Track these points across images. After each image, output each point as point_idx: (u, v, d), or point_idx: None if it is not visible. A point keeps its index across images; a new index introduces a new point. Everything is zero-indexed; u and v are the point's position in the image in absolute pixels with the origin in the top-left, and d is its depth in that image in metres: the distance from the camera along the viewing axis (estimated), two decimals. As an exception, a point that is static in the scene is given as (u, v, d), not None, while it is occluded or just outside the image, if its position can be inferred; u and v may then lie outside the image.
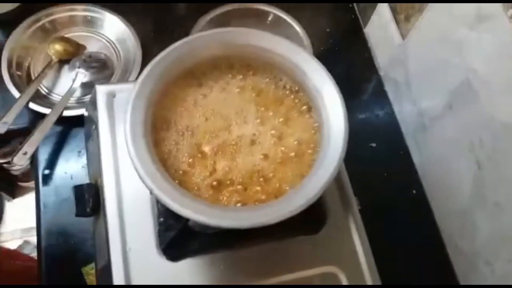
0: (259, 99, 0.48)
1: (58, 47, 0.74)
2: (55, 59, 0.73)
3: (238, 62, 0.48)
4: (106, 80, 0.74)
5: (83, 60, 0.73)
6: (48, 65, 0.72)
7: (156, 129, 0.45)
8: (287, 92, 0.48)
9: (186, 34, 0.73)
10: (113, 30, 0.77)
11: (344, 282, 0.49)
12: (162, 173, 0.40)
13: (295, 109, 0.48)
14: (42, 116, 0.67)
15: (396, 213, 0.68)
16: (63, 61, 0.74)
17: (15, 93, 0.68)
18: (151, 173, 0.39)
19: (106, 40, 0.77)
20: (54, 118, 0.67)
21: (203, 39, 0.45)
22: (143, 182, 0.38)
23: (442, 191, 0.68)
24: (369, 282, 0.49)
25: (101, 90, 0.55)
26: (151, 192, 0.38)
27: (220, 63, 0.48)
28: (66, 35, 0.76)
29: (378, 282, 0.49)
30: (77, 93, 0.72)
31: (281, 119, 0.47)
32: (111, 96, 0.54)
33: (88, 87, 0.73)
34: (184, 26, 0.76)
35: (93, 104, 0.56)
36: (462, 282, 0.65)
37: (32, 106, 0.68)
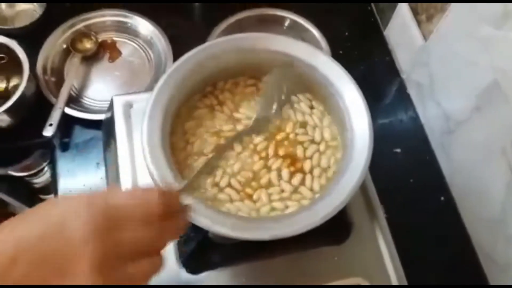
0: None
1: (78, 43, 0.74)
2: (77, 54, 0.73)
3: (253, 68, 0.47)
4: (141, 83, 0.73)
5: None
6: (72, 62, 0.73)
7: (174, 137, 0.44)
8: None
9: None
10: (143, 33, 0.77)
11: (372, 294, 0.47)
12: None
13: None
14: (71, 120, 0.67)
15: (424, 221, 0.65)
16: (88, 60, 0.74)
17: (51, 99, 0.68)
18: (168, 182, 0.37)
19: (136, 43, 0.77)
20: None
21: (219, 46, 0.44)
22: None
23: (473, 198, 0.65)
24: (398, 294, 0.47)
25: (118, 101, 0.54)
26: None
27: (236, 71, 0.47)
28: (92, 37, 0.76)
29: (408, 294, 0.47)
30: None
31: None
32: (128, 106, 0.54)
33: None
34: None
35: (110, 115, 0.55)
36: (496, 293, 0.62)
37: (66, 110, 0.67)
